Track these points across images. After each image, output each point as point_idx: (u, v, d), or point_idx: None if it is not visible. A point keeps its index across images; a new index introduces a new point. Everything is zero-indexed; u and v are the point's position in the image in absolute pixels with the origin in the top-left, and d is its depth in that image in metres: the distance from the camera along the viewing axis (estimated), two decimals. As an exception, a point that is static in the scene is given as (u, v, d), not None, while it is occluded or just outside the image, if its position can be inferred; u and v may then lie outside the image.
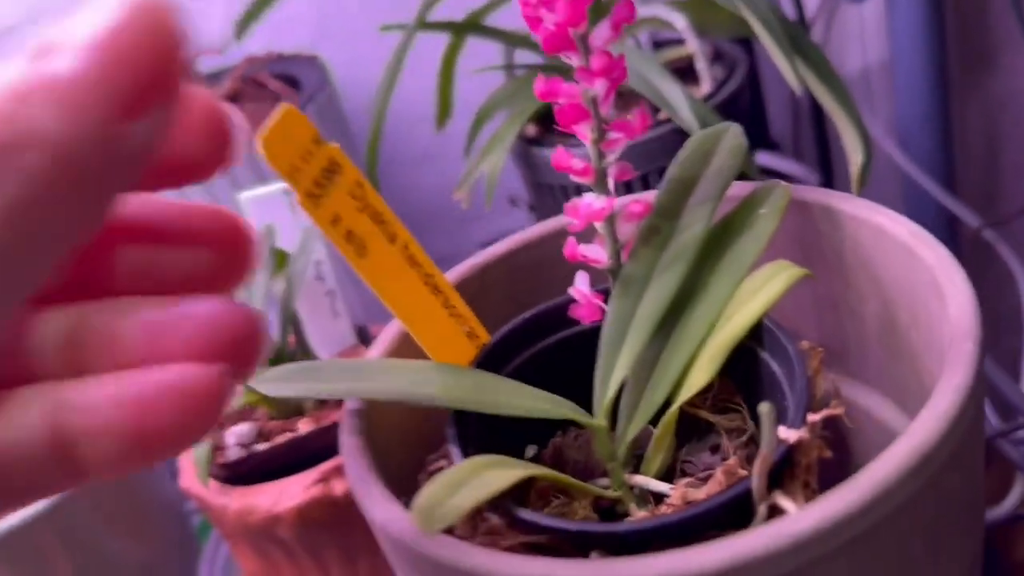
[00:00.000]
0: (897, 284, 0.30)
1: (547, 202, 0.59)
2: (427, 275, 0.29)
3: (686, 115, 0.45)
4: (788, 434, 0.26)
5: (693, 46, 0.54)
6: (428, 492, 0.24)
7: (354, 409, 0.29)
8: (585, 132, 0.28)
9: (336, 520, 0.42)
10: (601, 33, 0.27)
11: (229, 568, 0.54)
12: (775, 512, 0.25)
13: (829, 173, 0.73)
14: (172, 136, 0.18)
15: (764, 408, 0.25)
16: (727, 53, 0.59)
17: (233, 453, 0.44)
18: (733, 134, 0.30)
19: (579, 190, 0.57)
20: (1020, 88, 0.75)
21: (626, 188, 0.51)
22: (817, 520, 0.20)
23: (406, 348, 0.32)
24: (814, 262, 0.32)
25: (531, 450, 0.33)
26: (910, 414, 0.32)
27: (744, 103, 0.56)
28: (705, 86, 0.55)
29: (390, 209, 0.28)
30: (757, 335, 0.29)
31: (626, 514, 0.30)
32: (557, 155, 0.29)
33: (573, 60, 0.27)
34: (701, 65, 0.54)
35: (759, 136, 0.68)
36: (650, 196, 0.31)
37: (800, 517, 0.20)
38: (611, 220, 0.30)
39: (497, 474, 0.26)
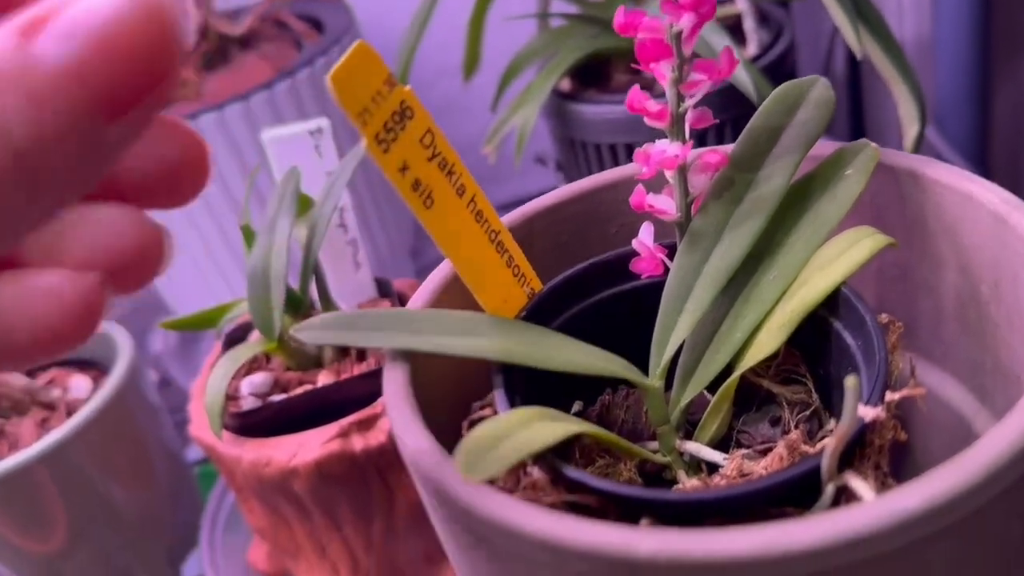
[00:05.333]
0: (981, 254, 0.28)
1: (578, 161, 0.57)
2: (493, 231, 0.28)
3: (741, 74, 0.42)
4: (864, 412, 0.24)
5: (742, 6, 0.52)
6: (473, 439, 0.22)
7: (398, 352, 0.27)
8: (664, 71, 0.26)
9: (353, 477, 0.40)
10: (691, -38, 0.25)
11: (233, 523, 0.52)
12: (841, 494, 0.24)
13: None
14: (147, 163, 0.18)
15: (850, 381, 0.23)
16: (771, 15, 0.57)
17: (247, 403, 0.42)
18: (822, 85, 0.28)
19: (613, 150, 0.55)
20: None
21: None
22: (927, 498, 0.18)
23: (449, 299, 0.30)
24: (889, 228, 0.30)
25: (577, 406, 0.32)
26: (977, 393, 0.30)
27: (789, 67, 0.54)
28: (751, 47, 0.53)
29: (461, 161, 0.26)
30: (832, 304, 0.27)
31: (673, 481, 0.29)
32: (632, 95, 0.27)
33: (659, -9, 0.25)
34: (749, 25, 0.52)
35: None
36: (728, 148, 0.29)
37: (908, 494, 0.19)
38: (683, 170, 0.28)
39: (545, 427, 0.24)
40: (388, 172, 0.24)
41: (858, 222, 0.29)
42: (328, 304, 0.44)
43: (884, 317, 0.27)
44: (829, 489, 0.23)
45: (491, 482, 0.26)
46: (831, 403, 0.29)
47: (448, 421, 0.28)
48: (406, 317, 0.28)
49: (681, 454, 0.29)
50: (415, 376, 0.27)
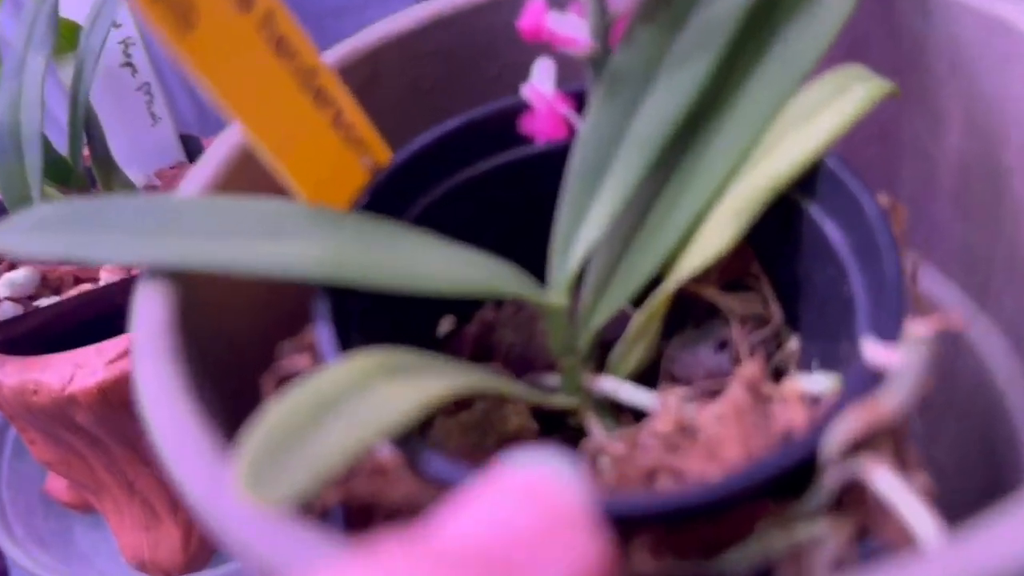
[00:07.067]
0: (1009, 107, 0.20)
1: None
2: (308, 71, 0.17)
3: None
4: (880, 354, 0.16)
5: None
6: (269, 426, 0.13)
7: (156, 270, 0.17)
8: None
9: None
10: None
11: (21, 451, 0.42)
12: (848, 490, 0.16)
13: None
14: None
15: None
16: None
17: (6, 310, 0.32)
18: None
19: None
20: None
21: None
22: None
23: (244, 180, 0.20)
24: (872, 68, 0.22)
25: (447, 322, 0.23)
26: (975, 292, 0.23)
27: None
28: None
29: None
30: (807, 179, 0.19)
31: (579, 429, 0.21)
32: None
33: None
34: None
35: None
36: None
37: (986, 541, 0.11)
38: (601, -25, 0.18)
39: (392, 392, 0.15)
40: None
41: (830, 61, 0.20)
42: (108, 171, 0.33)
43: (884, 199, 0.19)
44: (829, 482, 0.15)
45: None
46: (796, 317, 0.21)
47: (247, 375, 0.18)
48: (172, 210, 0.18)
49: (591, 393, 0.21)
50: (188, 305, 0.17)
